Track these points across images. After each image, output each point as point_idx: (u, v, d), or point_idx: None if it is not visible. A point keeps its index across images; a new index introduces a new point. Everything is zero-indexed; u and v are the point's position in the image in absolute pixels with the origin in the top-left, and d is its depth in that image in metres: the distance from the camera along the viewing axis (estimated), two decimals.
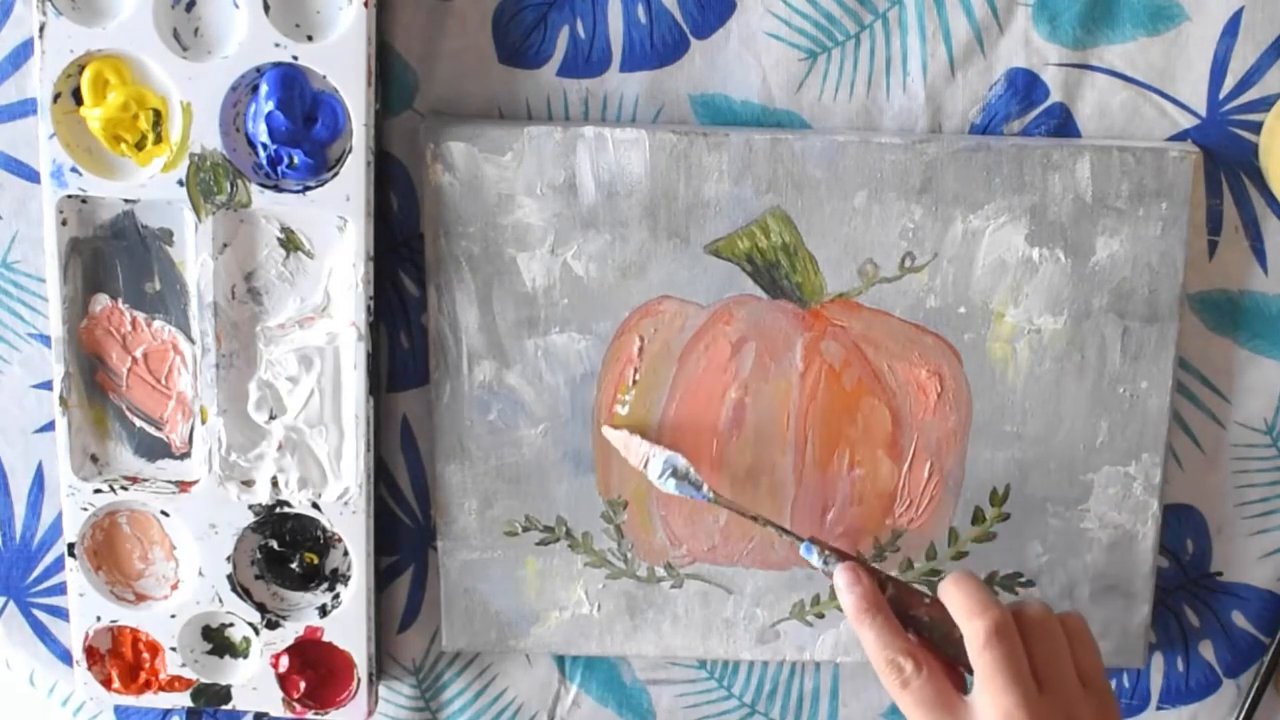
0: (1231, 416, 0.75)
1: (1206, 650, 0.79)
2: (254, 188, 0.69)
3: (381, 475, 0.76)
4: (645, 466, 0.71)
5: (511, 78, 0.71)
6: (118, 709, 0.81)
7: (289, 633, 0.75)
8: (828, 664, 0.79)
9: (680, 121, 0.71)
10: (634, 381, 0.73)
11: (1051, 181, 0.69)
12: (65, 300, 0.71)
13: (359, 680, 0.76)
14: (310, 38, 0.68)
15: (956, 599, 0.63)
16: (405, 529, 0.78)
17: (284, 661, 0.76)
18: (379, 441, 0.75)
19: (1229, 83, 0.70)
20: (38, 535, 0.78)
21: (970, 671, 0.62)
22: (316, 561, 0.75)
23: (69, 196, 0.69)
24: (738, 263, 0.71)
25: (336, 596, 0.75)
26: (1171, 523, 0.76)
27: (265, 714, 0.78)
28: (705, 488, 0.70)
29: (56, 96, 0.68)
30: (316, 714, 0.77)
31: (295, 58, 0.67)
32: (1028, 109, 0.71)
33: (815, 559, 0.67)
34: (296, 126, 0.68)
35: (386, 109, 0.71)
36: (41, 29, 0.67)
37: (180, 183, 0.69)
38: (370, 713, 0.77)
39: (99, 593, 0.75)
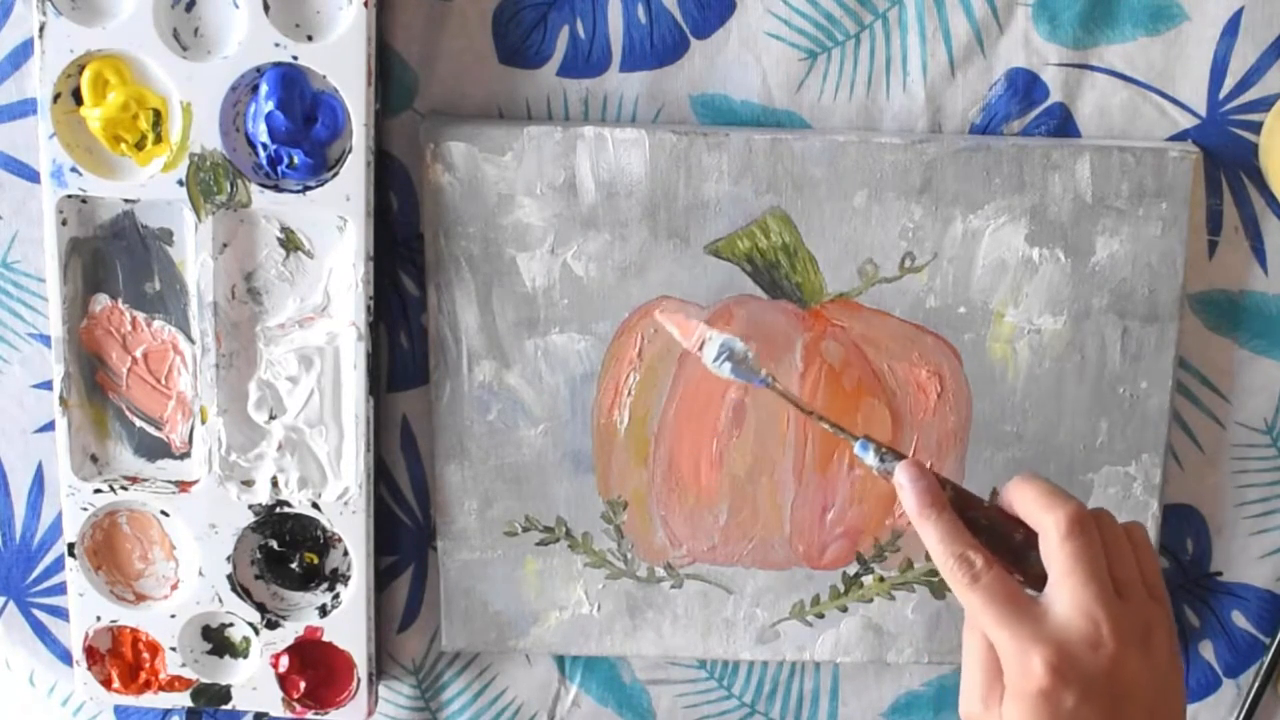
0: (1231, 416, 0.75)
1: (1206, 650, 0.79)
2: (254, 188, 0.69)
3: (381, 475, 0.76)
4: (700, 349, 0.65)
5: (511, 78, 0.71)
6: (118, 709, 0.81)
7: (289, 633, 0.75)
8: (827, 664, 0.79)
9: (680, 121, 0.71)
10: (634, 383, 0.73)
11: (1051, 181, 0.69)
12: (65, 300, 0.71)
13: (359, 680, 0.76)
14: (310, 38, 0.68)
15: (1029, 494, 0.59)
16: (405, 529, 0.78)
17: (284, 661, 0.76)
18: (379, 441, 0.75)
19: (1229, 83, 0.70)
20: (38, 535, 0.78)
21: (1026, 580, 0.60)
22: (316, 561, 0.75)
23: (69, 196, 0.69)
24: (738, 263, 0.71)
25: (336, 596, 0.75)
26: (1171, 523, 0.76)
27: (265, 714, 0.78)
28: (764, 373, 0.65)
29: (56, 96, 0.68)
30: (316, 714, 0.77)
31: (295, 58, 0.67)
32: (1028, 109, 0.71)
33: (871, 457, 0.62)
34: (296, 126, 0.68)
35: (386, 109, 0.71)
36: (41, 29, 0.67)
37: (180, 183, 0.69)
38: (370, 713, 0.77)
39: (99, 593, 0.75)
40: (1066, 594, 0.57)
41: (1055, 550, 0.58)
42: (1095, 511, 0.60)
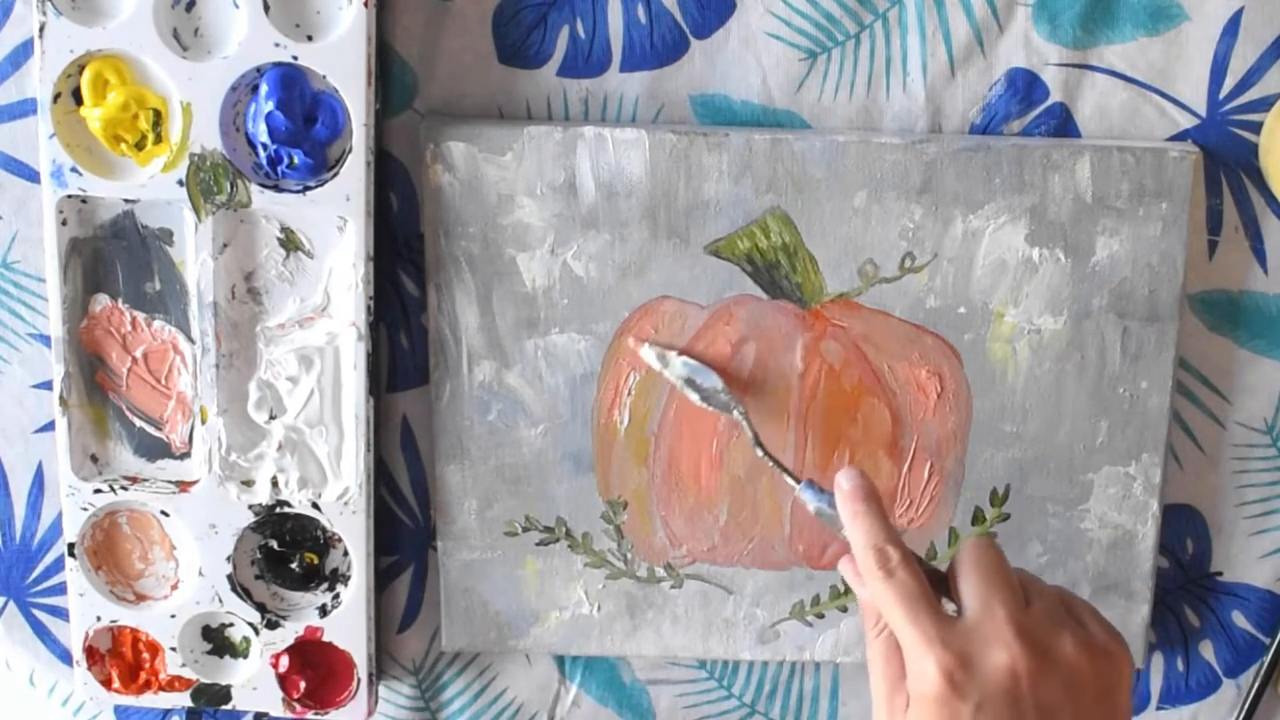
0: (1231, 416, 0.75)
1: (1206, 650, 0.79)
2: (254, 188, 0.69)
3: (381, 475, 0.76)
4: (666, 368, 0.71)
5: (511, 78, 0.71)
6: (118, 709, 0.81)
7: (289, 633, 0.75)
8: (828, 664, 0.79)
9: (680, 121, 0.71)
10: (634, 383, 0.73)
11: (1051, 181, 0.69)
12: (65, 300, 0.71)
13: (359, 680, 0.76)
14: (310, 38, 0.68)
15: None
16: (405, 529, 0.78)
17: (284, 661, 0.76)
18: (379, 441, 0.75)
19: (1229, 83, 0.70)
20: (38, 535, 0.78)
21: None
22: (316, 561, 0.75)
23: (69, 196, 0.69)
24: (738, 263, 0.71)
25: (336, 596, 0.75)
26: (1171, 523, 0.76)
27: (265, 714, 0.78)
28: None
29: (56, 96, 0.68)
30: (316, 714, 0.77)
31: (295, 58, 0.67)
32: (1028, 109, 0.71)
33: (814, 500, 0.64)
34: (296, 126, 0.68)
35: (386, 109, 0.71)
36: (41, 29, 0.67)
37: (180, 183, 0.69)
38: (370, 713, 0.77)
39: (99, 593, 0.75)
40: (973, 595, 0.56)
41: (964, 555, 0.57)
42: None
